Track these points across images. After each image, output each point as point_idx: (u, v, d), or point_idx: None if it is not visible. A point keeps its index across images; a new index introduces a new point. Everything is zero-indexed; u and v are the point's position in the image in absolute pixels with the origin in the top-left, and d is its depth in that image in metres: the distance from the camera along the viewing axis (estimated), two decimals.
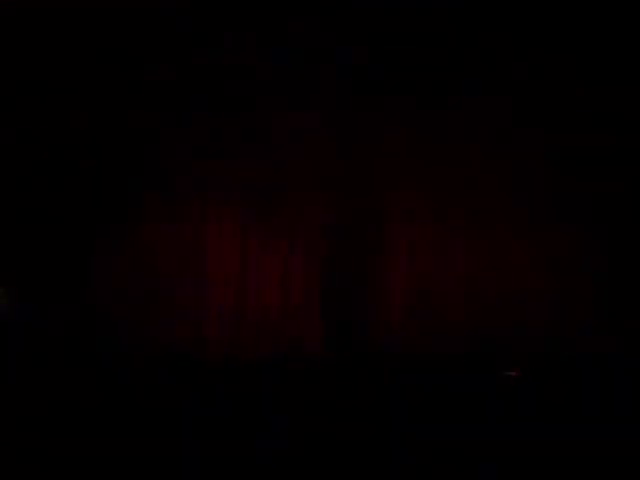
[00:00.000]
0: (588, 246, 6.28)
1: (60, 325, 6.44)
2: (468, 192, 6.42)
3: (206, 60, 6.52)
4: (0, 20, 6.42)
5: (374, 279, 6.47)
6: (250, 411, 5.63)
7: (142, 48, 6.50)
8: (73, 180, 6.57)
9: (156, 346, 6.40)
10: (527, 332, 6.23)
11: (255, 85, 6.54)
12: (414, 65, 6.40)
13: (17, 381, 5.95)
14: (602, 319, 6.19)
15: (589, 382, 5.76)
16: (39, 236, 6.54)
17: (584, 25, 6.25)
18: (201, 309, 6.51)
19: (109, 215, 6.57)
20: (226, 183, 6.59)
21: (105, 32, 6.45)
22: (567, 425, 5.41)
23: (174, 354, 6.33)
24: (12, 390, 5.83)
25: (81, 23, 6.42)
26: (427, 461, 5.09)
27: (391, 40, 6.38)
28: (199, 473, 5.07)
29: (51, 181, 6.56)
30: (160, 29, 6.45)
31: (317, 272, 6.51)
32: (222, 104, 6.56)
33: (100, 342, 6.39)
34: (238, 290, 6.52)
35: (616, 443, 5.14)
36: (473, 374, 5.99)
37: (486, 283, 6.35)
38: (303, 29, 6.42)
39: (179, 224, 6.58)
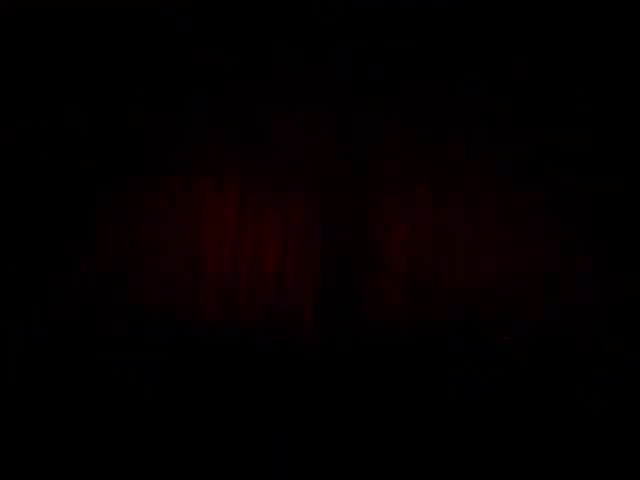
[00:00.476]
0: (588, 246, 6.28)
1: (59, 325, 6.45)
2: (468, 192, 6.42)
3: (206, 60, 6.52)
4: (0, 20, 6.43)
5: (372, 279, 6.47)
6: (246, 397, 5.65)
7: (142, 48, 6.50)
8: (73, 180, 6.58)
9: (154, 314, 6.40)
10: (527, 332, 6.23)
11: (255, 85, 6.54)
12: (414, 65, 6.41)
13: (17, 381, 5.96)
14: (602, 318, 6.19)
15: (589, 382, 5.76)
16: (39, 236, 6.54)
17: (584, 25, 6.25)
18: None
19: (109, 215, 6.58)
20: (226, 183, 6.59)
21: (105, 32, 6.45)
22: (567, 425, 5.41)
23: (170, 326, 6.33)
24: (12, 390, 5.83)
25: (81, 23, 6.42)
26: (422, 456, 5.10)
27: (391, 40, 6.39)
28: (197, 470, 5.07)
29: (51, 181, 6.57)
30: (160, 29, 6.45)
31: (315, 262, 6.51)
32: (222, 104, 6.56)
33: (99, 339, 6.40)
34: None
35: (616, 443, 5.15)
36: (470, 368, 6.00)
37: (486, 283, 6.35)
38: (303, 29, 6.42)
39: (179, 224, 6.59)
